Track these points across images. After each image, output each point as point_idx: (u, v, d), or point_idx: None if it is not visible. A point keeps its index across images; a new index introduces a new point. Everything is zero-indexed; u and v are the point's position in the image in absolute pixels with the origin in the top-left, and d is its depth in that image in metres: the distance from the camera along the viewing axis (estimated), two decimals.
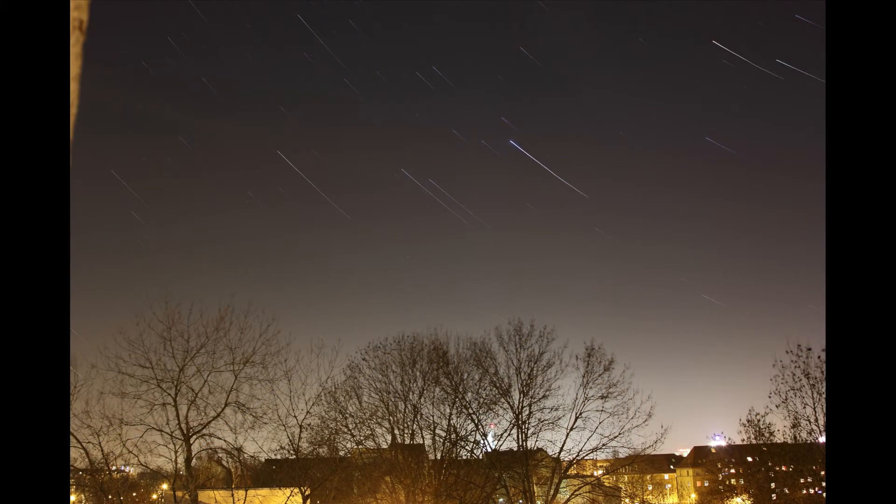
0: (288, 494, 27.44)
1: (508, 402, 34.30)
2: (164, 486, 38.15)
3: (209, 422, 24.95)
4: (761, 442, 36.70)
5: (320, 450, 30.20)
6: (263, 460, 29.71)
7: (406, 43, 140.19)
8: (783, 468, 36.44)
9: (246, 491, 25.71)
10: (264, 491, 27.96)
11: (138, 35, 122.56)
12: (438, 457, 33.31)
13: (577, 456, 34.69)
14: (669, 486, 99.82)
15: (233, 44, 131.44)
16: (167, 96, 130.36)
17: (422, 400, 33.38)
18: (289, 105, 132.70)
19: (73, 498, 33.54)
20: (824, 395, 31.02)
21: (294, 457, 28.30)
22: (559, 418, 34.03)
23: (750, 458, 40.87)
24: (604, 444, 34.29)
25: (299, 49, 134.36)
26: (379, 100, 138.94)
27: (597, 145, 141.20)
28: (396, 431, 33.12)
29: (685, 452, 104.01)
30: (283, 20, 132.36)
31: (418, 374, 33.60)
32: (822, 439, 30.92)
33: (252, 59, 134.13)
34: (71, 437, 22.64)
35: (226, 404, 25.03)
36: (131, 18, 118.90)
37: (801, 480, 35.48)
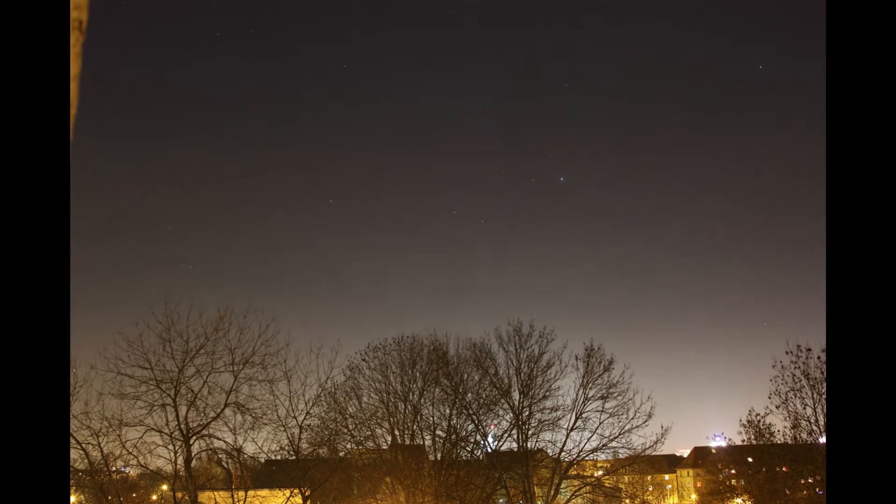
0: (288, 495, 27.43)
1: (508, 403, 34.32)
2: (164, 487, 38.14)
3: (209, 423, 24.95)
4: (761, 443, 36.68)
5: (320, 450, 30.21)
6: (263, 461, 29.71)
7: (407, 44, 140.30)
8: (783, 469, 36.43)
9: (246, 492, 25.70)
10: (264, 492, 27.94)
11: (138, 35, 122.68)
12: (438, 457, 33.31)
13: (578, 456, 34.69)
14: (670, 486, 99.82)
15: (233, 42, 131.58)
16: (168, 97, 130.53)
17: (422, 401, 33.41)
18: (290, 106, 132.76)
19: (73, 499, 33.53)
20: (824, 396, 31.03)
21: (294, 458, 28.30)
22: (559, 419, 34.08)
23: (750, 459, 40.84)
24: (604, 445, 34.33)
25: (300, 49, 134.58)
26: (380, 101, 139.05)
27: (597, 146, 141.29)
28: (396, 432, 33.13)
29: (685, 453, 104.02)
30: (284, 22, 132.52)
31: (418, 374, 33.63)
32: (823, 440, 30.92)
33: (252, 61, 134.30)
34: (71, 438, 22.62)
35: (225, 405, 25.04)
36: (131, 19, 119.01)
37: (801, 481, 35.47)
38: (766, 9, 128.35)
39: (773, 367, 33.63)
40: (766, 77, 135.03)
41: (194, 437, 24.72)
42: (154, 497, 47.13)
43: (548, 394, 33.99)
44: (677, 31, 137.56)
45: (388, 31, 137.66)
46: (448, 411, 33.49)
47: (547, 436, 34.65)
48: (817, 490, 34.14)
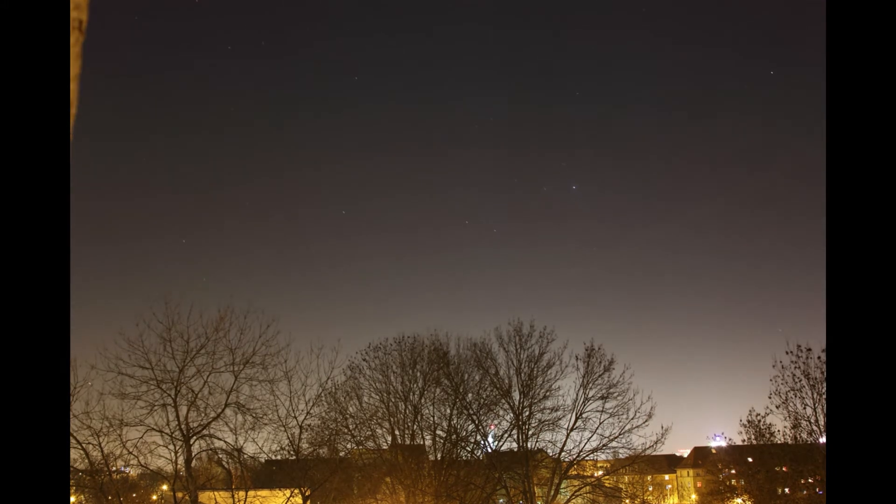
0: (288, 495, 27.43)
1: (509, 403, 34.33)
2: (164, 488, 38.13)
3: (209, 423, 24.93)
4: (761, 443, 36.68)
5: (320, 450, 30.20)
6: (263, 461, 29.71)
7: (407, 47, 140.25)
8: (783, 469, 36.42)
9: (246, 492, 25.69)
10: (264, 492, 27.93)
11: (138, 37, 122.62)
12: (439, 457, 33.31)
13: (578, 456, 34.69)
14: (670, 486, 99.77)
15: (234, 46, 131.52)
16: (168, 99, 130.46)
17: (422, 401, 33.41)
18: (290, 106, 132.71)
19: (73, 499, 33.53)
20: (824, 396, 31.01)
21: (294, 458, 28.29)
22: (559, 419, 34.08)
23: (750, 459, 40.80)
24: (604, 445, 34.33)
25: (302, 52, 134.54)
26: (381, 103, 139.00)
27: (596, 148, 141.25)
28: (397, 432, 33.14)
29: (685, 453, 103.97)
30: (286, 26, 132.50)
31: (419, 374, 33.64)
32: (823, 440, 30.89)
33: (253, 63, 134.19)
34: (71, 438, 22.63)
35: (226, 405, 25.02)
36: (130, 21, 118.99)
37: (801, 481, 35.45)
38: (766, 10, 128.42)
39: (773, 367, 33.65)
40: (766, 78, 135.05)
41: (195, 437, 24.71)
42: (154, 497, 47.11)
43: (548, 394, 34.02)
44: (678, 33, 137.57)
45: (392, 31, 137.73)
46: (448, 411, 33.52)
47: (547, 436, 34.70)
48: (817, 490, 34.13)
